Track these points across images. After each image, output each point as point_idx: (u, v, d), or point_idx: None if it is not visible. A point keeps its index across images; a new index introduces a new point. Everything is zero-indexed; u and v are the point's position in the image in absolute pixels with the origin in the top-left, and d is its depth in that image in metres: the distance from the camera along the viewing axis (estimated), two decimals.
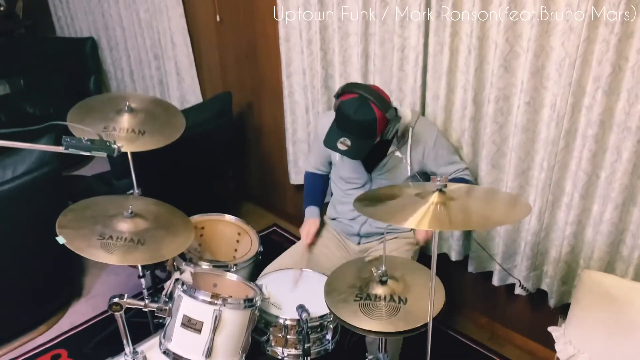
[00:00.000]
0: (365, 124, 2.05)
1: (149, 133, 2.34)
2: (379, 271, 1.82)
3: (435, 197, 1.55)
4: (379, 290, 1.81)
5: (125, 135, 2.31)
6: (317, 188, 2.58)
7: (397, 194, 1.71)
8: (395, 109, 2.13)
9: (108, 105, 2.42)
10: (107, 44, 4.61)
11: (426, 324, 1.69)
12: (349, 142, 2.08)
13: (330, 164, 2.52)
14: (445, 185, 1.58)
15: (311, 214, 2.50)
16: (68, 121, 2.29)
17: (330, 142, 2.11)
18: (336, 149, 2.10)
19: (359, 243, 2.46)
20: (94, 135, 1.97)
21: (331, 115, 2.22)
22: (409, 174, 2.26)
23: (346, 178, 2.39)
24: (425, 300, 1.76)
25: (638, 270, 2.07)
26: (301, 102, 3.12)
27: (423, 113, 2.52)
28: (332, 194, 2.58)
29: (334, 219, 2.54)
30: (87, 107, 2.43)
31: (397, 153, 2.25)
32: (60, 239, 1.85)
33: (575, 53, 1.92)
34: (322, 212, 2.58)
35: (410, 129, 2.22)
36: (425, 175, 2.31)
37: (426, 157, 2.25)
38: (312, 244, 2.45)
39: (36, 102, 4.57)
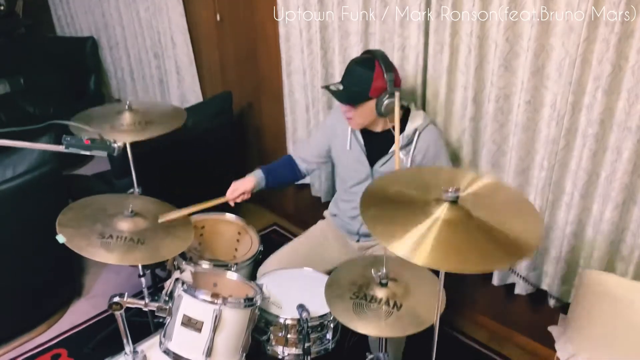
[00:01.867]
0: (362, 73, 2.12)
1: (149, 124, 2.36)
2: (379, 273, 1.82)
3: (442, 212, 1.36)
4: (378, 292, 1.81)
5: (126, 128, 2.33)
6: (282, 168, 2.51)
7: (408, 197, 1.52)
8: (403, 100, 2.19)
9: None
10: (107, 43, 4.61)
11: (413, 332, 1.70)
12: (341, 87, 2.17)
13: (316, 163, 2.51)
14: (458, 197, 1.37)
15: (253, 173, 2.42)
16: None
17: (326, 85, 2.22)
18: (327, 88, 2.19)
19: (358, 241, 2.47)
20: (94, 134, 1.97)
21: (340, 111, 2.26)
22: None
23: (348, 171, 2.38)
24: (424, 306, 1.76)
25: (638, 269, 2.07)
26: (301, 102, 3.12)
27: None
28: (335, 191, 2.59)
29: (334, 215, 2.54)
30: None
31: (399, 153, 2.25)
32: (60, 238, 1.84)
33: (575, 52, 1.92)
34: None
35: (418, 133, 2.22)
36: None
37: (425, 163, 2.24)
38: (238, 201, 2.37)
39: (36, 101, 4.57)
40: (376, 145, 2.28)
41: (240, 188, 2.34)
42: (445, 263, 1.28)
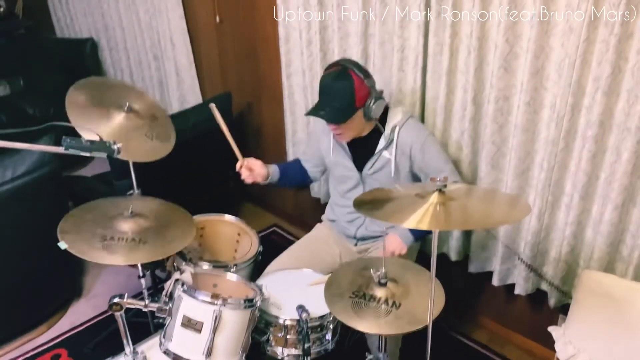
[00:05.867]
0: (342, 87, 2.07)
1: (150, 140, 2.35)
2: (378, 273, 1.82)
3: (434, 197, 1.55)
4: (377, 291, 1.81)
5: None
6: (294, 171, 2.54)
7: (396, 195, 1.71)
8: (382, 95, 2.16)
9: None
10: (107, 45, 4.62)
11: (412, 331, 1.71)
12: (326, 108, 2.12)
13: (319, 170, 2.53)
14: (445, 186, 1.59)
15: (270, 165, 2.44)
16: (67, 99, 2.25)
17: (310, 112, 2.15)
18: (314, 114, 2.13)
19: (355, 244, 2.47)
20: (94, 135, 1.97)
21: None
22: (392, 175, 2.25)
23: (339, 177, 2.39)
24: (422, 305, 1.76)
25: (638, 270, 2.08)
26: (301, 103, 3.12)
27: (423, 113, 2.53)
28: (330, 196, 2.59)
29: (333, 220, 2.54)
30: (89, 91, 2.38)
31: (385, 153, 2.25)
32: (62, 245, 1.84)
33: (575, 53, 1.92)
34: (284, 185, 2.55)
35: (397, 129, 2.21)
36: (415, 177, 2.31)
37: (413, 158, 2.23)
38: (243, 177, 2.38)
39: (36, 102, 4.57)
40: (361, 148, 2.28)
41: (257, 165, 2.35)
42: (442, 225, 1.50)
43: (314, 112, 2.13)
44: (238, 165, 2.35)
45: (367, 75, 2.09)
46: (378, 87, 2.19)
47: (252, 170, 2.35)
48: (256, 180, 2.38)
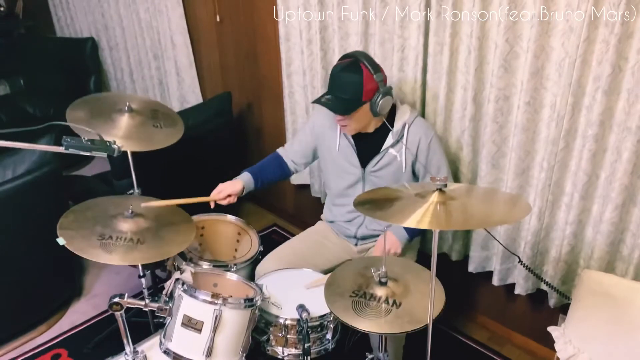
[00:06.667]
0: (351, 79, 2.08)
1: (150, 132, 2.35)
2: (379, 272, 1.82)
3: (435, 197, 1.55)
4: (378, 290, 1.81)
5: (126, 133, 2.32)
6: (270, 168, 2.47)
7: (396, 194, 1.71)
8: (391, 91, 2.15)
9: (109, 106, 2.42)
10: (107, 44, 4.62)
11: (412, 330, 1.71)
12: (330, 97, 2.13)
13: (304, 163, 2.50)
14: (445, 185, 1.59)
15: (240, 177, 2.38)
16: (67, 117, 2.28)
17: (316, 100, 2.16)
18: (319, 102, 2.14)
19: (356, 244, 2.47)
20: (94, 135, 1.97)
21: (326, 111, 2.23)
22: (403, 172, 2.26)
23: (338, 173, 2.37)
24: (423, 304, 1.77)
25: (638, 269, 2.08)
26: (301, 102, 3.12)
27: (423, 113, 2.53)
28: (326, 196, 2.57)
29: (331, 221, 2.53)
30: (87, 106, 2.42)
31: (391, 150, 2.25)
32: (61, 240, 1.84)
33: (575, 53, 1.92)
34: (261, 192, 2.47)
35: (407, 127, 2.22)
36: (414, 174, 2.31)
37: (418, 156, 2.24)
38: (224, 203, 2.33)
39: (36, 102, 4.58)
40: (368, 144, 2.27)
41: (226, 190, 2.30)
42: (443, 225, 1.50)
43: (320, 100, 2.15)
44: (212, 205, 2.33)
45: (377, 69, 2.09)
46: None
47: (229, 195, 2.31)
48: (236, 198, 2.35)
